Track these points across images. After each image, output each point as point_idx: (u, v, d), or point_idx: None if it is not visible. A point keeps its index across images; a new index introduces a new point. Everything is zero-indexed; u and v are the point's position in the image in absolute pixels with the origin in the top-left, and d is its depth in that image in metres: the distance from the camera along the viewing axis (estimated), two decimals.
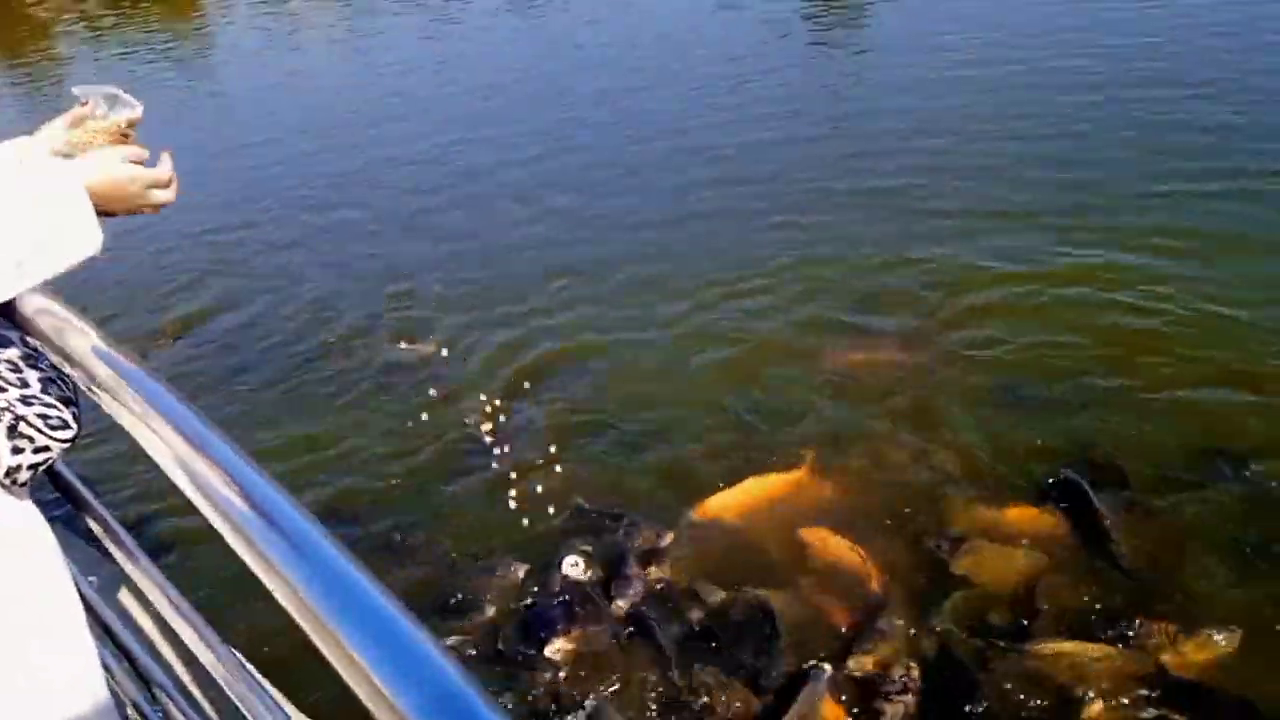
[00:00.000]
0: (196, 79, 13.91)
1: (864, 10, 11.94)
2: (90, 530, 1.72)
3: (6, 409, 1.41)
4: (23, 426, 1.42)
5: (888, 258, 6.29)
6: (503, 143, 9.10)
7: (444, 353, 5.94)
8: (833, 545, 4.15)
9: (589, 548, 4.26)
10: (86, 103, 1.53)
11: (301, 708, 2.78)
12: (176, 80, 13.73)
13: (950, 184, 6.99)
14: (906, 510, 4.30)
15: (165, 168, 1.47)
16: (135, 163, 1.44)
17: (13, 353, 1.46)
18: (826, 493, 4.44)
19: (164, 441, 1.23)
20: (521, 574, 4.18)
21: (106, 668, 1.70)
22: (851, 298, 5.96)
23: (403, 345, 6.00)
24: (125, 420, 1.33)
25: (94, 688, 1.55)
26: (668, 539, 4.30)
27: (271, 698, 1.33)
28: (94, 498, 1.72)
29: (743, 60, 10.44)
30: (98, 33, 18.23)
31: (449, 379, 5.68)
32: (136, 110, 1.53)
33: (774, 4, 12.60)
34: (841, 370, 5.28)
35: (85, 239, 1.37)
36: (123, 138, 1.53)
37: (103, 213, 1.39)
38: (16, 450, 1.42)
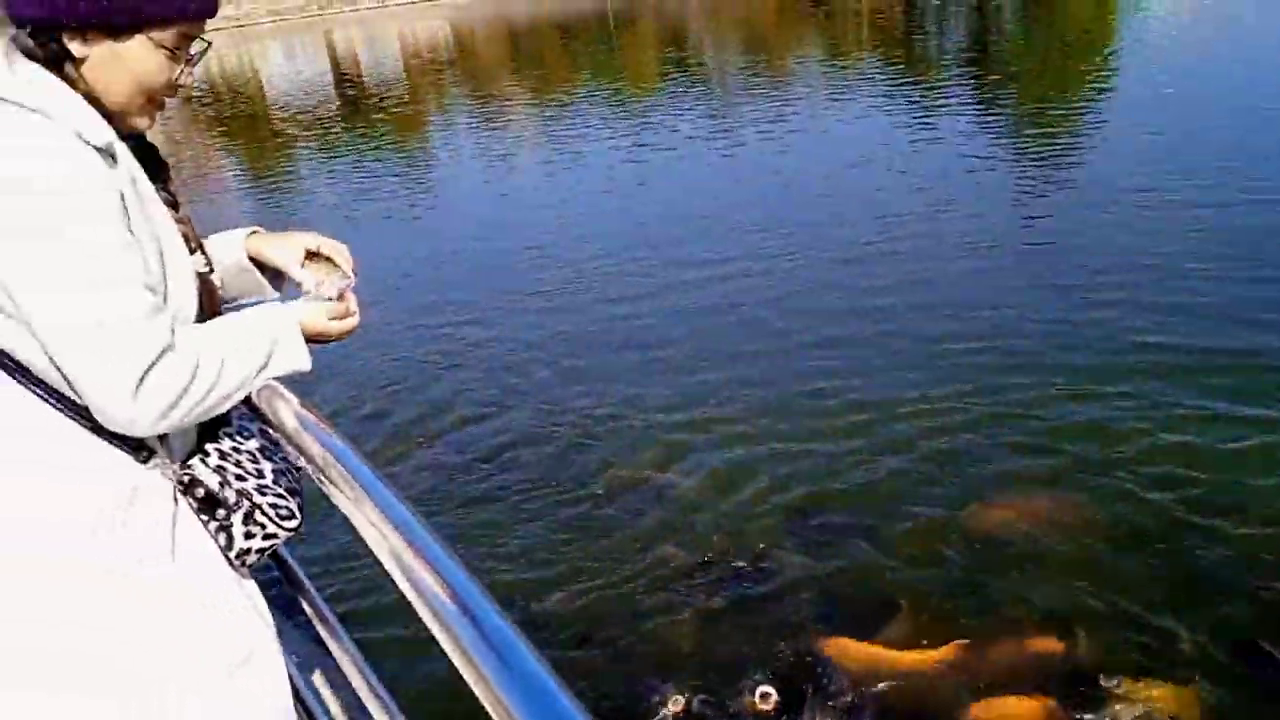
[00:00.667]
0: (417, 190, 14.91)
1: (1065, 149, 11.73)
2: (301, 609, 1.86)
3: (246, 497, 1.58)
4: (257, 514, 1.64)
5: (1076, 390, 6.05)
6: (705, 260, 9.31)
7: (670, 475, 5.86)
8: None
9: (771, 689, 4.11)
10: (322, 257, 1.79)
11: None
12: (399, 190, 14.76)
13: (1151, 320, 6.73)
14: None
15: (348, 306, 1.70)
16: (333, 317, 1.67)
17: (253, 444, 1.68)
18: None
19: (378, 531, 1.35)
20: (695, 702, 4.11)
21: None
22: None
23: (623, 468, 6.01)
24: (343, 506, 1.47)
25: None
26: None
27: None
28: (307, 579, 1.87)
29: (937, 191, 10.40)
30: (332, 145, 19.93)
31: (674, 501, 5.61)
32: (348, 283, 1.76)
33: (974, 139, 12.57)
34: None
35: (300, 358, 1.61)
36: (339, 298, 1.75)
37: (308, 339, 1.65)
38: (249, 535, 1.63)
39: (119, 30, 1.42)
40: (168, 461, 1.58)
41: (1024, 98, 15.82)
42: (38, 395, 1.45)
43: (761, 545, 5.09)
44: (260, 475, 1.67)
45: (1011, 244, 8.85)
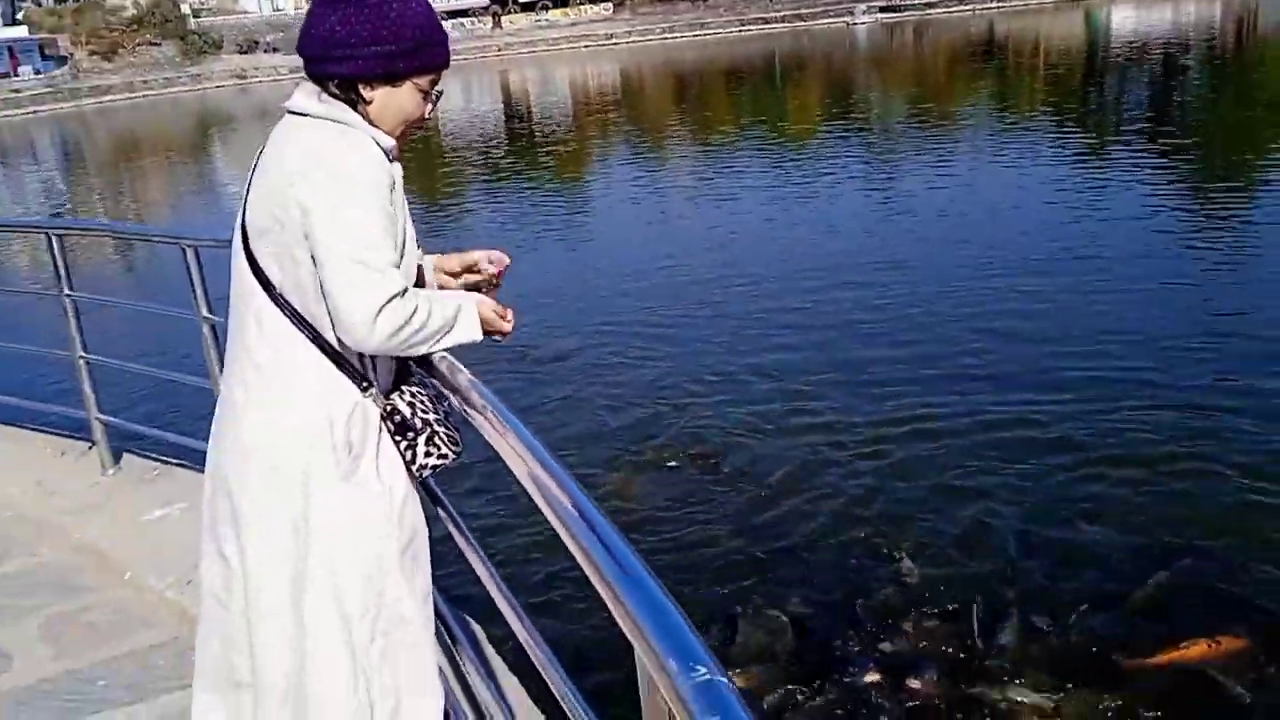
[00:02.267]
0: (574, 220, 15.53)
1: (1238, 221, 11.33)
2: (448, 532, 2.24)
3: (429, 425, 2.02)
4: (435, 439, 2.09)
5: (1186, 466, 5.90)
6: (835, 299, 9.50)
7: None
8: None
9: None
10: (475, 260, 2.32)
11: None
12: (557, 220, 15.42)
13: None
14: None
15: (509, 323, 2.17)
16: (496, 311, 2.15)
17: (431, 392, 2.07)
18: None
19: (520, 459, 1.67)
20: None
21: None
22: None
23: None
24: (491, 439, 1.81)
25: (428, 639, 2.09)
26: None
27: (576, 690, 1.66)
28: (446, 498, 2.27)
29: (1091, 251, 10.32)
30: (498, 177, 20.91)
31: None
32: (501, 267, 2.30)
33: (1134, 203, 12.33)
34: None
35: (474, 331, 2.09)
36: (493, 285, 2.28)
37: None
38: (427, 454, 2.09)
39: (397, 79, 2.01)
40: (377, 393, 2.06)
41: (1199, 165, 15.25)
42: (305, 337, 2.00)
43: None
44: (437, 413, 2.12)
45: (1165, 306, 8.65)
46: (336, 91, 1.99)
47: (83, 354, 4.82)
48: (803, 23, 73.85)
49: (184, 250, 4.12)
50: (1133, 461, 6.02)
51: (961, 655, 4.56)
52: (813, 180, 16.60)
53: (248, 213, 2.01)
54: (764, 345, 8.62)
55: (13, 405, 5.59)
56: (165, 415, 6.43)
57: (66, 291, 4.76)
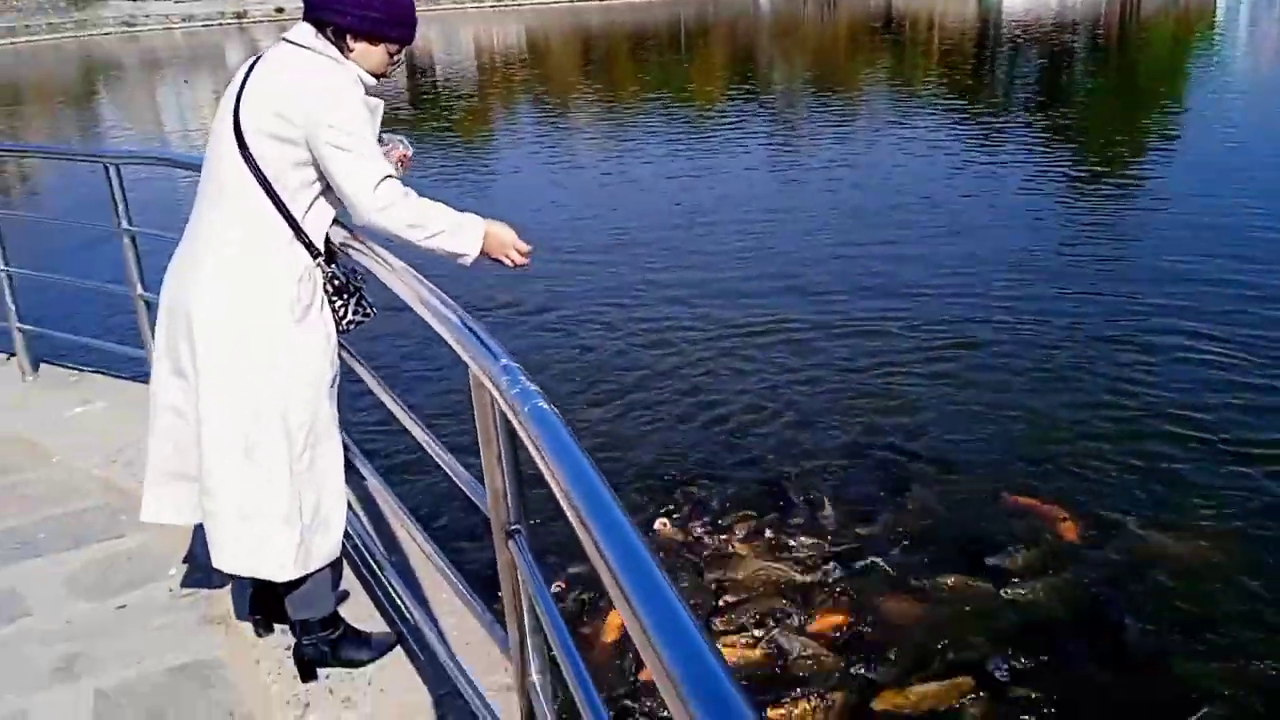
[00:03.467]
0: (478, 178, 15.81)
1: (1116, 196, 12.06)
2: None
3: (361, 291, 2.66)
4: (363, 302, 2.68)
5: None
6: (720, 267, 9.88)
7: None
8: None
9: None
10: (387, 144, 2.75)
11: None
12: (461, 178, 15.66)
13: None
14: None
15: (526, 247, 2.68)
16: (513, 242, 2.66)
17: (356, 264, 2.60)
18: None
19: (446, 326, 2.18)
20: None
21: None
22: None
23: None
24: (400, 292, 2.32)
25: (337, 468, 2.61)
26: None
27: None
28: (359, 362, 2.78)
29: (978, 223, 10.92)
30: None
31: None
32: (408, 150, 2.80)
33: (1017, 175, 13.04)
34: None
35: (472, 245, 2.57)
36: (401, 165, 2.72)
37: (484, 251, 2.61)
38: (355, 312, 2.67)
39: (375, 40, 2.56)
40: (324, 263, 2.60)
41: (1078, 140, 16.10)
42: (280, 215, 2.50)
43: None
44: (360, 284, 2.70)
45: (1046, 269, 9.23)
46: (330, 36, 2.53)
47: (3, 267, 5.15)
48: None
49: (106, 167, 4.51)
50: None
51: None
52: (710, 142, 17.16)
53: (243, 116, 2.47)
54: (655, 297, 9.02)
55: None
56: (82, 324, 6.70)
57: None
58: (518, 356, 1.67)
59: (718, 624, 4.53)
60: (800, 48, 38.63)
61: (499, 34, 54.23)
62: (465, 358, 1.75)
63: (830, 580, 4.80)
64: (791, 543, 5.09)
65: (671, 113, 21.78)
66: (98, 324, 6.81)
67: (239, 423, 2.51)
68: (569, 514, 1.23)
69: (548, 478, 1.32)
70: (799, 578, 4.83)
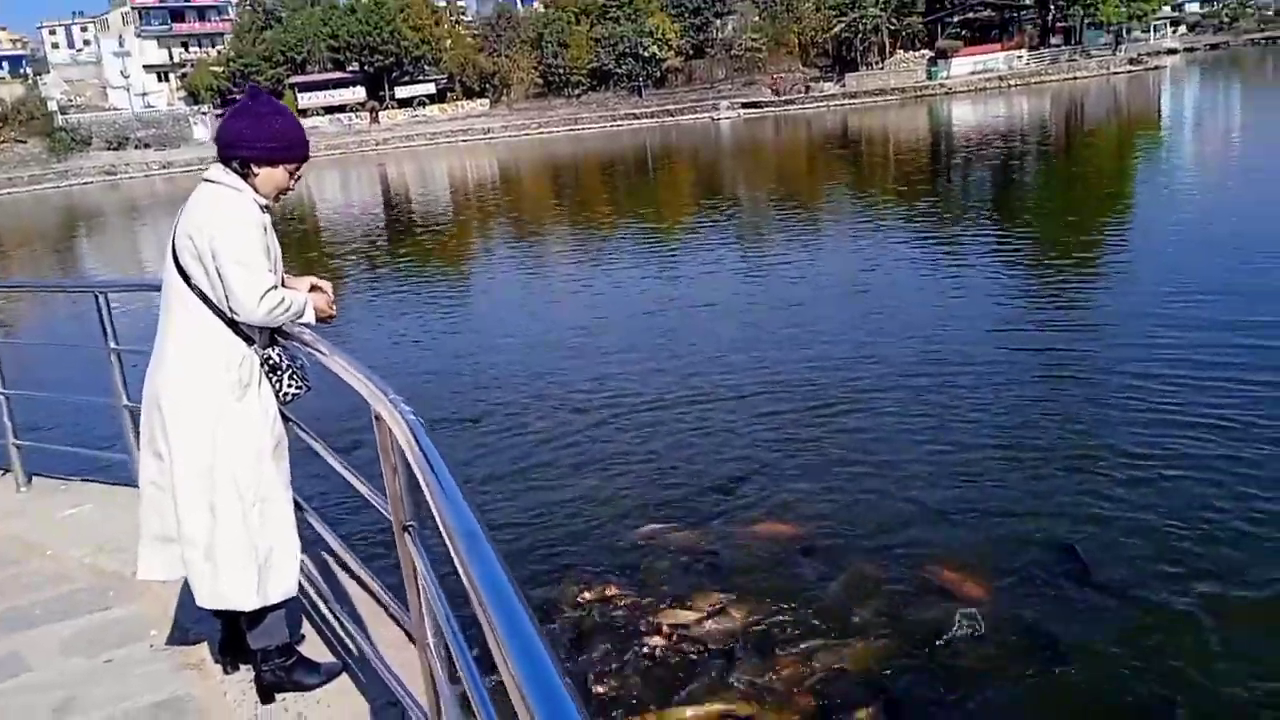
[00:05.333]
0: (452, 302, 16.39)
1: (1073, 287, 12.69)
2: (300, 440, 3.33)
3: (294, 367, 3.23)
4: (294, 376, 3.26)
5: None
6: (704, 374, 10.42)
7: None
8: None
9: None
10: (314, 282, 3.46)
11: None
12: (437, 302, 16.37)
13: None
14: None
15: (332, 308, 3.38)
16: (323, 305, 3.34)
17: (291, 353, 3.19)
18: None
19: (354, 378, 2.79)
20: None
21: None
22: None
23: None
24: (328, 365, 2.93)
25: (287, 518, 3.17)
26: None
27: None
28: (301, 421, 3.36)
29: (941, 322, 11.58)
30: (377, 264, 21.84)
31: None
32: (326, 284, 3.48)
33: (974, 272, 13.99)
34: None
35: (311, 316, 3.23)
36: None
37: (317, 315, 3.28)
38: (290, 385, 3.24)
39: (274, 164, 3.21)
40: (258, 347, 3.19)
41: (1033, 241, 16.86)
42: (213, 314, 3.11)
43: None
44: (295, 362, 3.26)
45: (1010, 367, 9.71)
46: (237, 168, 3.19)
47: (1, 390, 5.74)
48: (670, 118, 77.44)
49: (95, 295, 5.15)
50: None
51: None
52: (682, 257, 18.07)
53: (177, 240, 3.13)
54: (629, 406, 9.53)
55: None
56: (73, 435, 7.27)
57: None
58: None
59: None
60: (760, 165, 40.30)
61: (473, 166, 56.12)
62: (368, 398, 2.36)
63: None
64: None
65: (639, 229, 22.86)
66: (87, 434, 7.43)
67: (201, 486, 3.09)
68: (428, 499, 1.83)
69: (420, 479, 1.93)
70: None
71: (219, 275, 3.04)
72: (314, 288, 3.44)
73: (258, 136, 3.16)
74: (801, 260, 16.60)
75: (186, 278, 3.11)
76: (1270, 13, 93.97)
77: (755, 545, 6.53)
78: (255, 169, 3.18)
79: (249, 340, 3.17)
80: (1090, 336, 10.40)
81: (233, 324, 3.13)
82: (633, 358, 11.28)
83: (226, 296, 3.05)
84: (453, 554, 1.65)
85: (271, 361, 3.21)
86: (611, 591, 5.93)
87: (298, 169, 3.30)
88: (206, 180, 3.20)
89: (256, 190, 3.20)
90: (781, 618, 5.58)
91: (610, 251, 19.83)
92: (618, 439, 8.63)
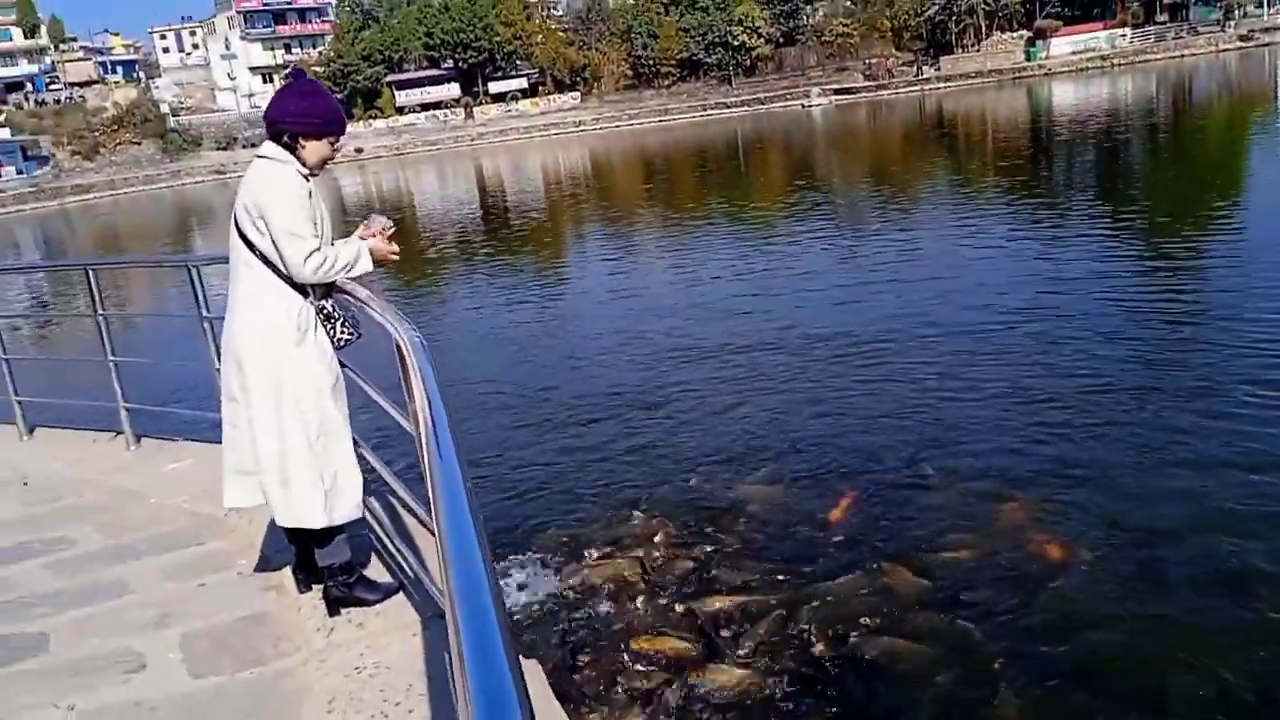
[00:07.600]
0: (545, 294, 16.68)
1: (1180, 281, 12.09)
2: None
3: (344, 317, 3.60)
4: (348, 324, 3.63)
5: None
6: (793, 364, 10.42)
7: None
8: None
9: None
10: (370, 224, 3.82)
11: None
12: (530, 294, 16.61)
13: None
14: None
15: (393, 247, 3.76)
16: (381, 248, 3.73)
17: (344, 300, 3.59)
18: None
19: (401, 348, 3.18)
20: None
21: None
22: None
23: None
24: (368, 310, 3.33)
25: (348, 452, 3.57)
26: None
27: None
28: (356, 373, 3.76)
29: (1042, 313, 11.08)
30: (473, 255, 22.48)
31: None
32: (387, 222, 3.82)
33: (1077, 263, 13.35)
34: None
35: (368, 264, 3.63)
36: (386, 235, 3.77)
37: (376, 262, 3.67)
38: (343, 333, 3.63)
39: (320, 137, 3.59)
40: (314, 299, 3.61)
41: (1137, 231, 15.79)
42: (271, 271, 3.53)
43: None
44: (348, 312, 3.63)
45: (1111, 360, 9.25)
46: (287, 141, 3.58)
47: (111, 358, 6.33)
48: (762, 106, 77.13)
49: (189, 269, 5.67)
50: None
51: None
52: (780, 247, 17.68)
53: (237, 210, 3.54)
54: (727, 403, 9.37)
55: (57, 405, 7.10)
56: (176, 397, 7.91)
57: (100, 312, 6.31)
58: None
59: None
60: (854, 151, 39.81)
61: (564, 158, 56.81)
62: (389, 330, 2.76)
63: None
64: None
65: (732, 218, 22.80)
66: (189, 397, 8.09)
67: (272, 422, 3.53)
68: (417, 401, 2.20)
69: (414, 387, 2.31)
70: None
71: (273, 242, 3.46)
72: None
73: (303, 113, 3.55)
74: (902, 243, 16.26)
75: (248, 242, 3.53)
76: None
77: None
78: (303, 142, 3.56)
79: (305, 294, 3.58)
80: (1210, 333, 9.67)
81: (289, 280, 3.54)
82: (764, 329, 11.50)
83: (281, 259, 3.48)
84: (422, 451, 2.03)
85: (325, 311, 3.62)
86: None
87: (336, 140, 3.67)
88: (259, 156, 3.61)
89: (303, 162, 3.57)
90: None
91: (702, 244, 19.55)
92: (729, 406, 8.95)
